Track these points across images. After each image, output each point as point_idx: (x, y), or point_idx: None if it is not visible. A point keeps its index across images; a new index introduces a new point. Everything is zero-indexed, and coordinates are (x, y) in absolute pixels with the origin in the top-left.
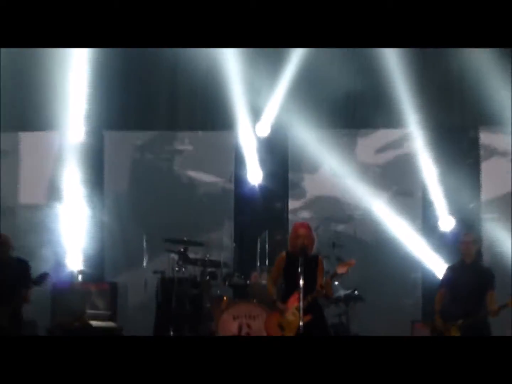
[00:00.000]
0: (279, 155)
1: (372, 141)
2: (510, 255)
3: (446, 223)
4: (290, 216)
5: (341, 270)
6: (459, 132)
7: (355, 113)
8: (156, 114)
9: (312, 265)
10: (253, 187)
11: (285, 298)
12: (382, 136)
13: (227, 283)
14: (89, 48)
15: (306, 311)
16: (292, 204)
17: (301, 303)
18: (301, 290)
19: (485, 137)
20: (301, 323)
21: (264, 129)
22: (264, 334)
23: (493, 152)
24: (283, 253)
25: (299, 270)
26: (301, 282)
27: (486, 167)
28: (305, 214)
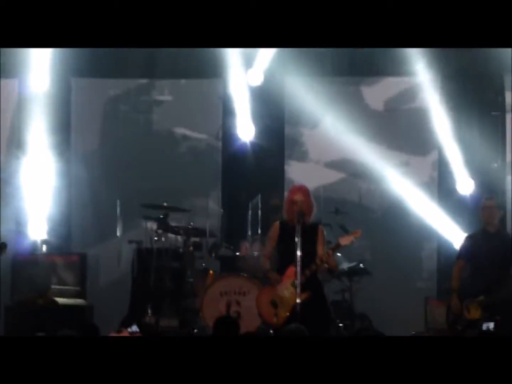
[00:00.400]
0: (274, 107)
1: (380, 91)
2: None
3: (465, 186)
4: (286, 178)
5: (344, 241)
6: (482, 79)
7: (361, 58)
8: (131, 59)
9: (310, 235)
10: (244, 144)
11: (279, 273)
12: (391, 85)
13: (213, 255)
14: None
15: (303, 287)
16: (289, 164)
17: (298, 278)
18: (298, 263)
19: None
20: (298, 301)
21: (256, 76)
22: (255, 312)
23: None
24: (277, 223)
25: (296, 240)
26: (298, 254)
27: None
28: (303, 176)
